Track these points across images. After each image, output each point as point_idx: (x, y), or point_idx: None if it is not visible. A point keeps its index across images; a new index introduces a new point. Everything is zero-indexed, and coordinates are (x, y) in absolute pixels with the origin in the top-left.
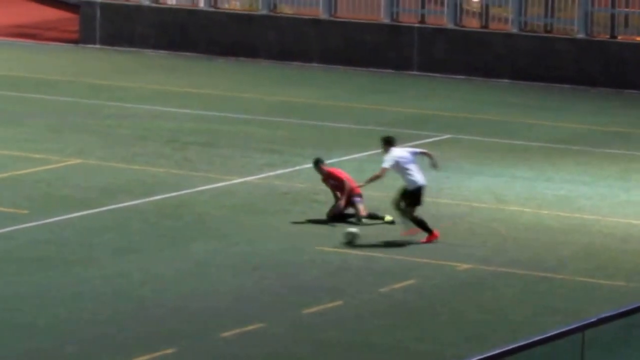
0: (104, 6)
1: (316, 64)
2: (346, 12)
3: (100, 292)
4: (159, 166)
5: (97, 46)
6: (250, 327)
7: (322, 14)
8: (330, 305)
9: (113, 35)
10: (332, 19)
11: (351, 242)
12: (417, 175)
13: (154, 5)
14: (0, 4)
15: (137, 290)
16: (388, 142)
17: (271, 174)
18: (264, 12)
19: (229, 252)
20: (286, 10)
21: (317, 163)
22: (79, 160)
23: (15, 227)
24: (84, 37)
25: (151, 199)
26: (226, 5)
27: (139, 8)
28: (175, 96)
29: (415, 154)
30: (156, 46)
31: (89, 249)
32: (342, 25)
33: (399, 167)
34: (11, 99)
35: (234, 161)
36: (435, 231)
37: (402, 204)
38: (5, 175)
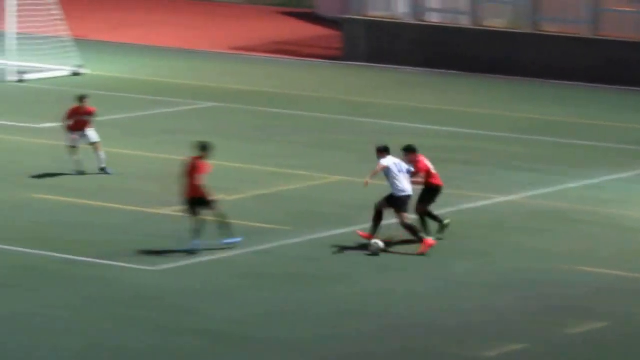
0: (368, 24)
1: (577, 82)
2: (610, 31)
3: (359, 310)
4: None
5: (360, 63)
6: (514, 347)
7: (586, 32)
8: (593, 326)
9: (375, 52)
10: (595, 37)
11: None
12: (405, 184)
13: (416, 22)
14: (261, 21)
15: (396, 307)
16: (383, 151)
17: (534, 193)
18: (528, 30)
19: (489, 271)
20: (549, 28)
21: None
22: (339, 177)
23: (277, 243)
24: (347, 54)
25: (411, 216)
26: (490, 23)
27: (402, 25)
28: (434, 113)
29: (408, 169)
30: (416, 63)
31: (349, 266)
32: (606, 44)
33: (391, 173)
34: (271, 115)
35: (495, 179)
36: (428, 240)
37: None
38: (267, 191)
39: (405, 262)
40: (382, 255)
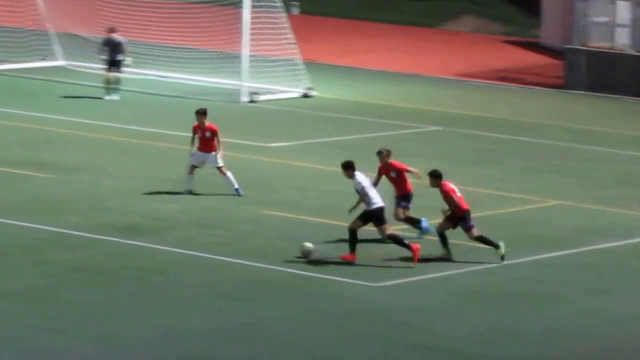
0: (589, 53)
1: None
2: None
3: (570, 330)
4: (638, 210)
5: (582, 92)
6: None
7: None
8: None
9: (596, 81)
10: None
11: (306, 256)
12: (378, 198)
13: (636, 53)
14: (487, 49)
15: (606, 329)
16: (348, 167)
17: None
18: None
19: None
20: None
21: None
22: (555, 202)
23: (494, 263)
24: (569, 82)
25: (628, 241)
26: None
27: (622, 56)
28: None
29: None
30: (636, 93)
31: (562, 287)
32: None
33: (364, 190)
34: (492, 139)
35: None
36: (414, 245)
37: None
38: (485, 214)
39: (615, 285)
40: (594, 278)
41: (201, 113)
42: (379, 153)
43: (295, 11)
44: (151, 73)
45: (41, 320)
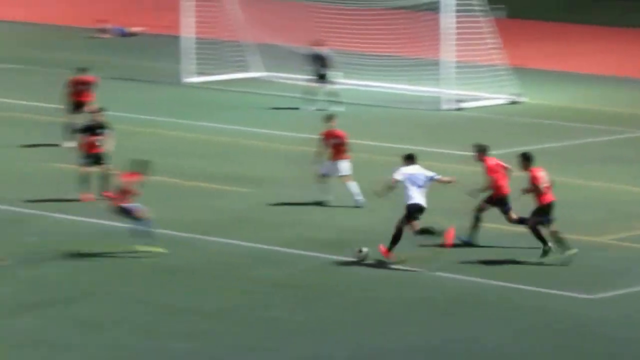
0: None
1: None
2: None
3: None
4: None
5: None
6: None
7: None
8: None
9: None
10: None
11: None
12: (417, 195)
13: None
14: None
15: None
16: (407, 159)
17: None
18: None
19: None
20: None
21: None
22: None
23: None
24: None
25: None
26: None
27: None
28: None
29: (430, 178)
30: None
31: None
32: None
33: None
34: None
35: None
36: (383, 247)
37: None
38: None
39: None
40: None
41: (331, 119)
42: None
43: (502, 14)
44: (353, 83)
45: (248, 340)
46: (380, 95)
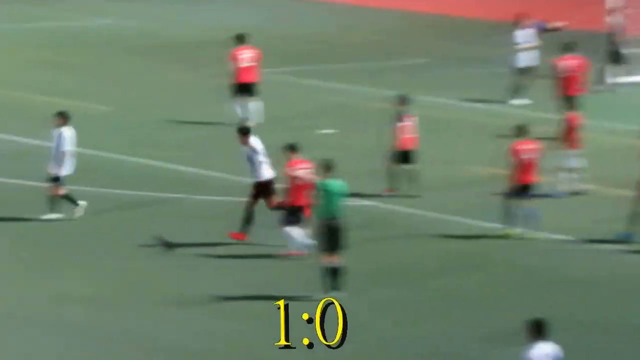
0: None
1: None
2: None
3: None
4: None
5: None
6: None
7: None
8: None
9: None
10: None
11: None
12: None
13: None
14: None
15: None
16: (244, 132)
17: None
18: None
19: None
20: None
21: None
22: None
23: None
24: None
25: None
26: None
27: None
28: None
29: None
30: None
31: None
32: None
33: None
34: None
35: None
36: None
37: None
38: None
39: None
40: None
41: None
42: None
43: None
44: None
45: None
46: None
